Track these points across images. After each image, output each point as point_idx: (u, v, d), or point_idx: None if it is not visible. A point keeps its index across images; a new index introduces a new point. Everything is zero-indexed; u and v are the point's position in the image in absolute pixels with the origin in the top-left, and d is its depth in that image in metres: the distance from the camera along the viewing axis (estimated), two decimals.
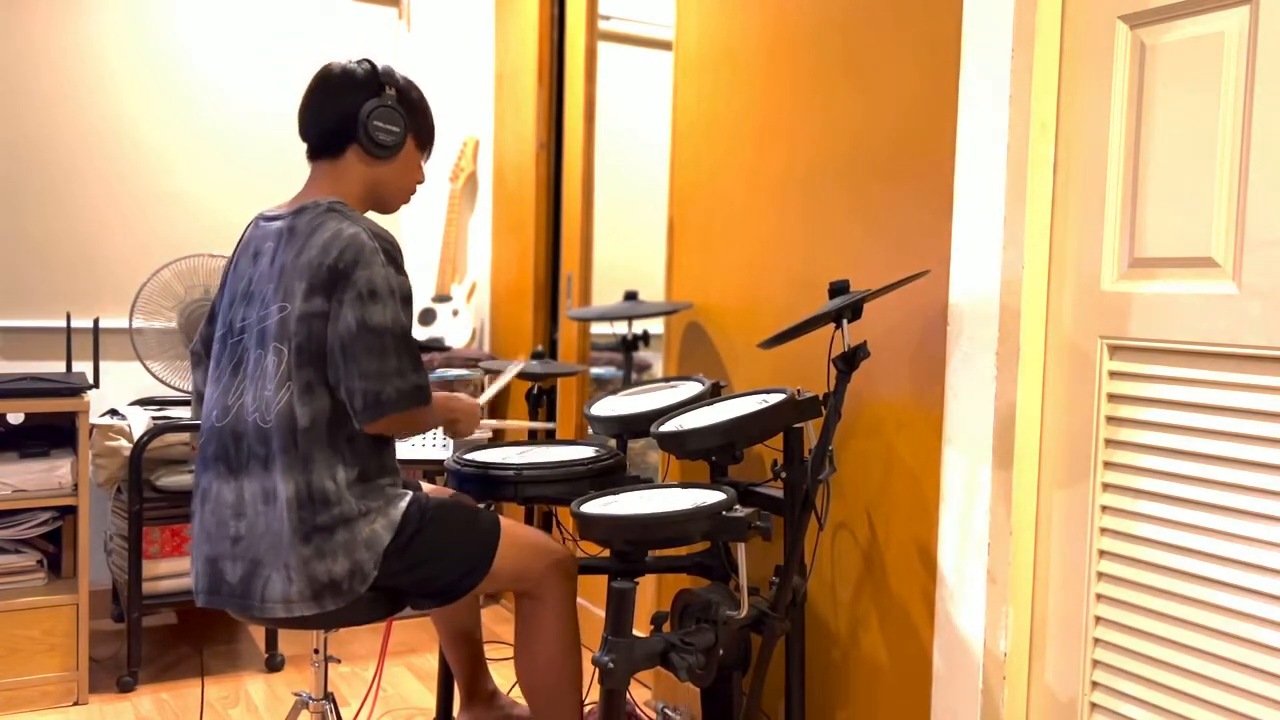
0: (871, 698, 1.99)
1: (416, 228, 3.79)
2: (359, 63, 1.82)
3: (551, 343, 3.43)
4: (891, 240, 1.94)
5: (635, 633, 1.70)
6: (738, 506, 1.66)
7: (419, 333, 3.64)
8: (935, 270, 1.84)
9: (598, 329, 3.21)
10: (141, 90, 3.28)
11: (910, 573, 1.90)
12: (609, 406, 2.20)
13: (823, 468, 1.73)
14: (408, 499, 1.78)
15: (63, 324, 3.17)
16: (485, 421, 2.14)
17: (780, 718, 2.22)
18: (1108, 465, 1.62)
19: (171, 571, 2.83)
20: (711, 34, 2.47)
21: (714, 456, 1.86)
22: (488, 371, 3.18)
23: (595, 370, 3.23)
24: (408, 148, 1.87)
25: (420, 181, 1.93)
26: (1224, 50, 1.47)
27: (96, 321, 2.92)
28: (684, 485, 1.87)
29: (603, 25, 3.14)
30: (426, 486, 2.08)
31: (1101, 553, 1.63)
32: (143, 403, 3.11)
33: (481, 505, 1.98)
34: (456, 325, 3.63)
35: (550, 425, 2.27)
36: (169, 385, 2.94)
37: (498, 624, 3.32)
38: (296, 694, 1.94)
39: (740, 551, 1.67)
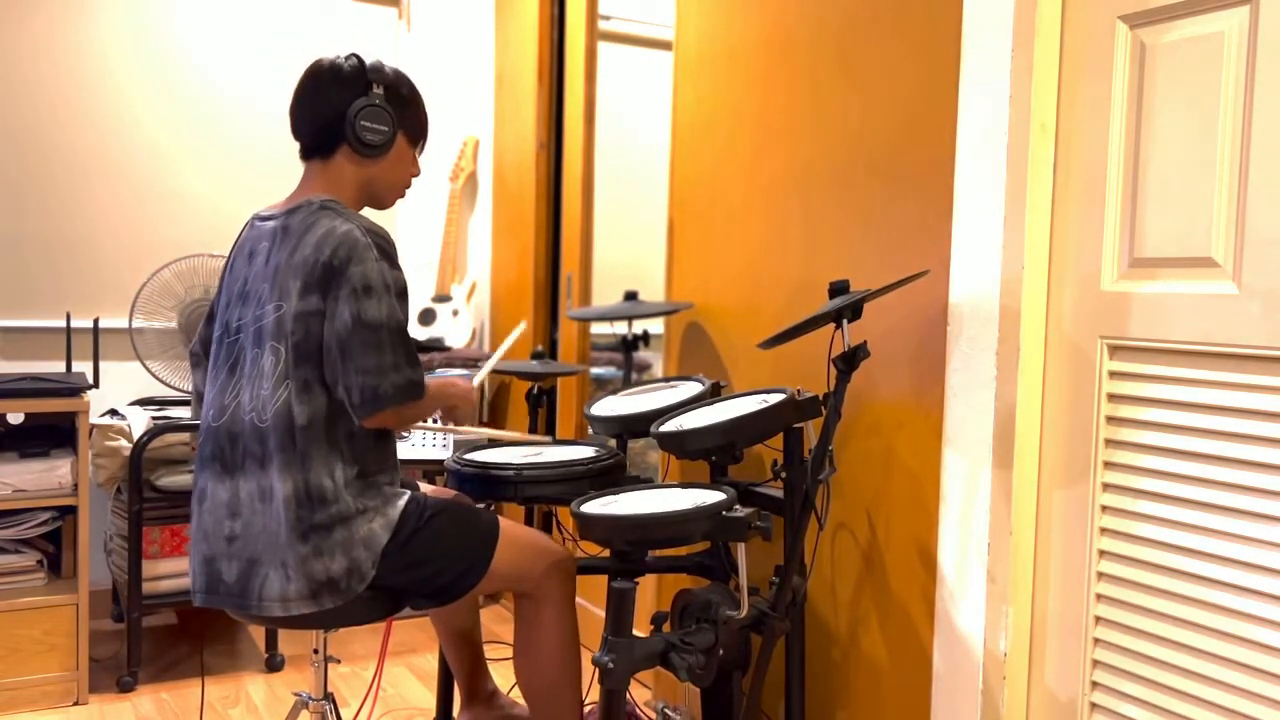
0: (871, 698, 1.99)
1: (416, 228, 3.79)
2: (346, 59, 1.80)
3: (551, 343, 3.43)
4: (891, 240, 1.94)
5: (635, 633, 1.70)
6: (738, 506, 1.66)
7: (419, 333, 3.64)
8: (935, 270, 1.84)
9: (598, 329, 3.21)
10: (142, 90, 3.28)
11: (910, 573, 1.90)
12: (609, 406, 2.20)
13: (823, 468, 1.73)
14: (406, 498, 1.78)
15: (63, 324, 3.17)
16: (483, 430, 2.14)
17: (780, 718, 2.22)
18: (1108, 465, 1.62)
19: (171, 571, 2.83)
20: (712, 34, 2.47)
21: (714, 456, 1.86)
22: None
23: (595, 370, 3.23)
24: (398, 144, 1.85)
25: (415, 175, 1.91)
26: (1224, 50, 1.47)
27: (96, 321, 2.92)
28: (684, 485, 1.87)
29: (603, 25, 3.13)
30: (426, 487, 2.08)
31: (1101, 553, 1.63)
32: (142, 403, 3.11)
33: (481, 505, 1.98)
34: (456, 325, 3.63)
35: (547, 439, 2.26)
36: (169, 385, 2.94)
37: (498, 624, 3.32)
38: (296, 694, 1.94)
39: (740, 551, 1.67)
